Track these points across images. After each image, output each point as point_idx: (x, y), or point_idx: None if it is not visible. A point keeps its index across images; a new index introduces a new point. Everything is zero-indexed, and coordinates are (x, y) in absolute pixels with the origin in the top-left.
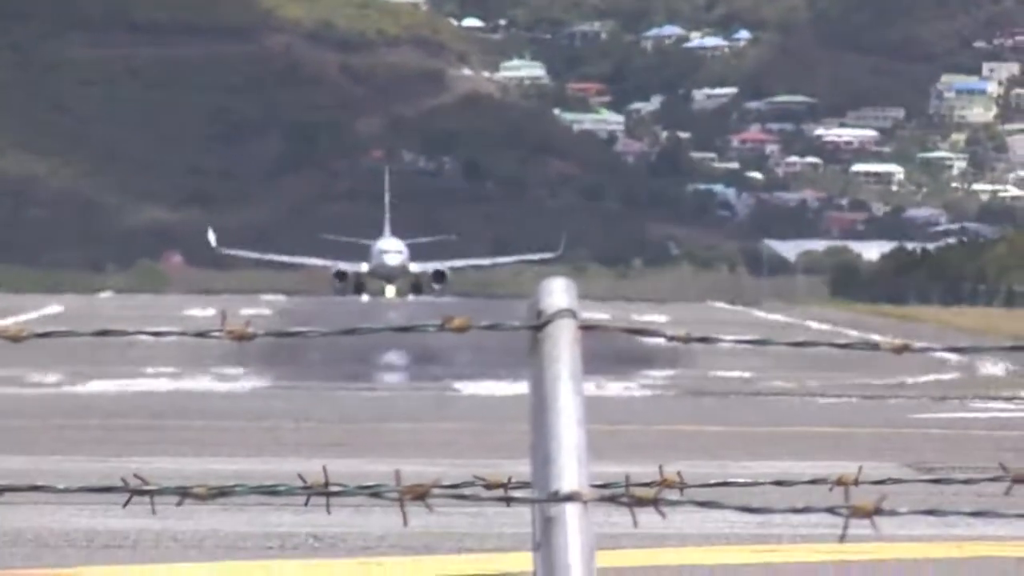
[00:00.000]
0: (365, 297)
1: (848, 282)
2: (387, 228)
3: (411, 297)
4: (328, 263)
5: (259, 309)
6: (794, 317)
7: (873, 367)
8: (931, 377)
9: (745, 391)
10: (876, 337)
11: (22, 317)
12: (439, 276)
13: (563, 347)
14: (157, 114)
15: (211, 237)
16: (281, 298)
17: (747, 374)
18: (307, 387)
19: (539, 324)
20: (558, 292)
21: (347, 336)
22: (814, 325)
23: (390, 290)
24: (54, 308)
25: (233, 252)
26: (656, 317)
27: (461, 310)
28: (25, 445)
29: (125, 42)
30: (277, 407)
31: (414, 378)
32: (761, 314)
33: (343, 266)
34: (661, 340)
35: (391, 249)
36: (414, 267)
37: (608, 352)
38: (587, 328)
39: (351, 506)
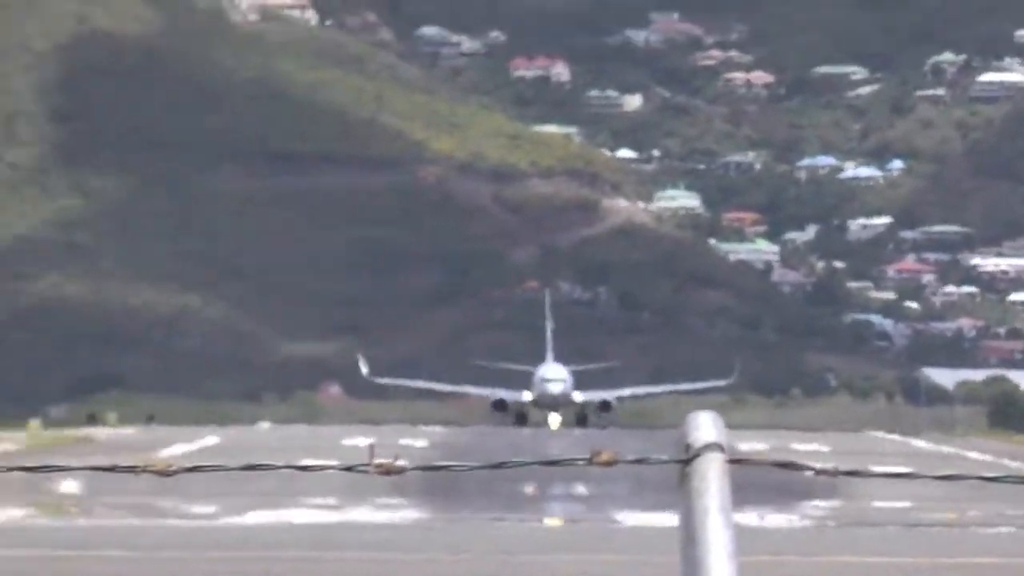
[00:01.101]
0: (526, 429)
1: (1008, 412)
2: (549, 355)
3: (576, 429)
4: (487, 392)
5: (416, 440)
6: (953, 447)
7: None
8: None
9: (905, 522)
10: None
11: (179, 449)
12: (605, 406)
13: (711, 481)
14: (310, 245)
15: (362, 365)
16: (438, 429)
17: (906, 504)
18: (463, 519)
19: (687, 459)
20: (705, 426)
21: (503, 469)
22: (973, 456)
23: (554, 420)
24: (211, 439)
25: (385, 381)
26: (815, 447)
27: (625, 442)
28: None
29: (277, 172)
30: (433, 540)
31: (573, 510)
32: (920, 444)
33: (503, 395)
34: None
35: (555, 377)
36: (578, 396)
37: (770, 483)
38: (735, 462)
39: None
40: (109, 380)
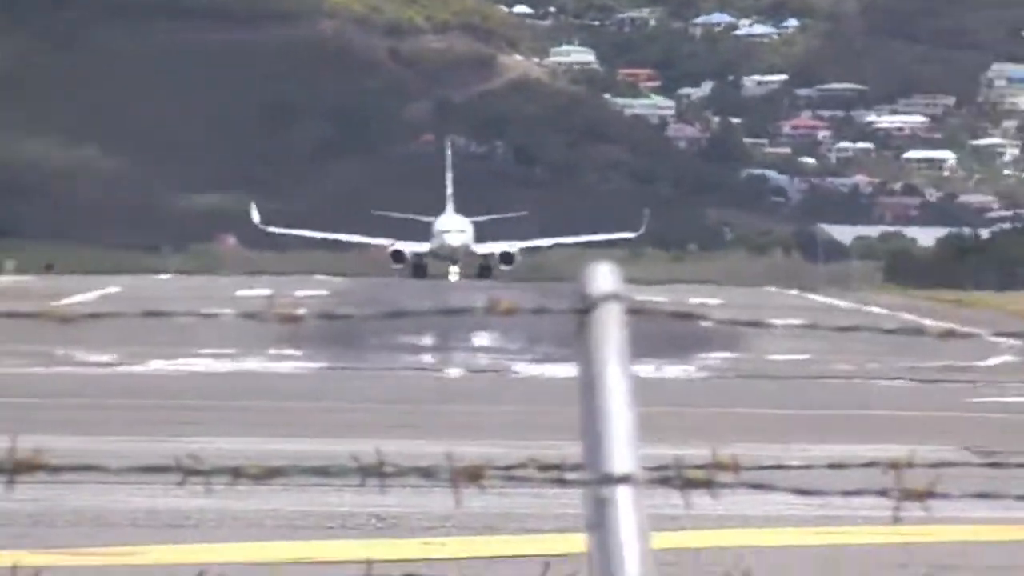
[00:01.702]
0: (426, 281)
1: (903, 268)
2: (450, 206)
3: (478, 281)
4: (385, 242)
5: (315, 291)
6: (849, 302)
7: (928, 352)
8: (988, 362)
9: (802, 375)
10: (926, 321)
11: (79, 297)
12: (506, 257)
13: (610, 330)
14: (206, 99)
15: (254, 214)
16: (337, 280)
17: (804, 357)
18: (361, 370)
19: (585, 308)
20: (604, 276)
21: (401, 319)
22: (871, 310)
23: (454, 272)
24: (111, 289)
25: (278, 230)
26: (711, 300)
27: (525, 294)
28: (82, 425)
29: (173, 27)
30: (332, 389)
31: (471, 360)
32: (817, 298)
33: (400, 246)
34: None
35: (454, 228)
36: (480, 248)
37: (666, 335)
38: (634, 312)
39: (412, 487)
40: (5, 229)
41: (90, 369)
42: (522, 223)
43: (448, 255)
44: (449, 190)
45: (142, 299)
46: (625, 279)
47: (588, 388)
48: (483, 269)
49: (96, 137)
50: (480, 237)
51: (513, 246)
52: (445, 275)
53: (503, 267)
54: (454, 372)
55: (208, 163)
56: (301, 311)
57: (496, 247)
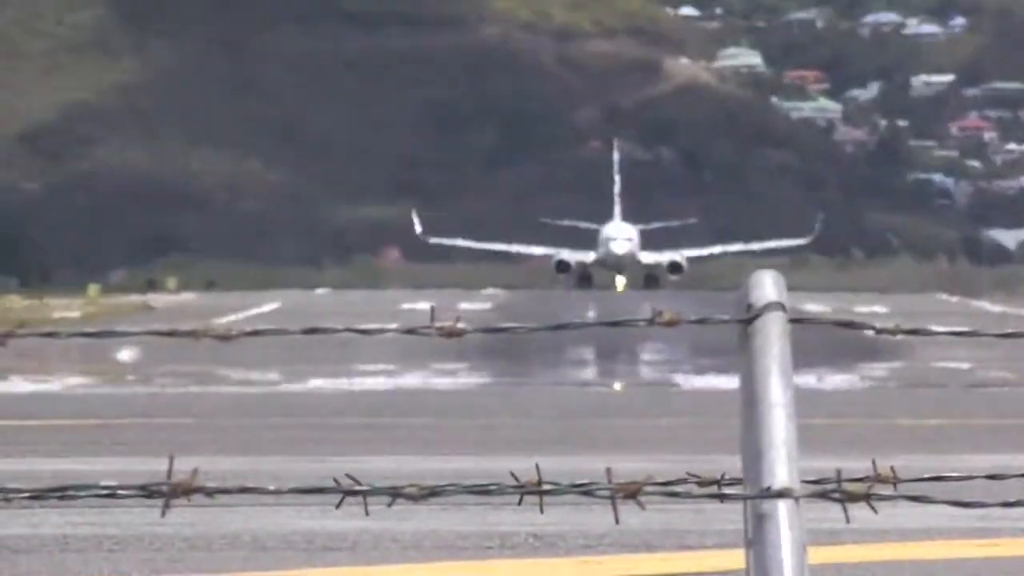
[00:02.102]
0: (591, 292)
1: None
2: (617, 212)
3: (645, 291)
4: (549, 252)
5: (478, 304)
6: (1015, 307)
7: None
8: None
9: (966, 383)
10: None
11: (241, 315)
12: (675, 267)
13: (772, 341)
14: (370, 107)
15: (416, 224)
16: (501, 292)
17: (967, 366)
18: (524, 383)
19: (748, 318)
20: (767, 285)
21: (565, 331)
22: None
23: (620, 281)
24: (272, 305)
25: (439, 240)
26: (876, 308)
27: (690, 304)
28: (239, 446)
29: (337, 33)
30: (493, 404)
31: (632, 373)
32: (983, 305)
33: (566, 255)
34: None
35: (621, 236)
36: (646, 257)
37: (830, 345)
38: (796, 321)
39: (570, 504)
40: (168, 245)
41: (248, 388)
42: (690, 230)
43: (614, 264)
44: (616, 196)
45: (303, 315)
46: (789, 287)
47: (748, 400)
48: (650, 279)
49: (259, 149)
50: (647, 245)
51: (681, 255)
52: (611, 285)
53: (671, 277)
54: (616, 385)
55: (372, 173)
56: (462, 325)
57: (663, 256)
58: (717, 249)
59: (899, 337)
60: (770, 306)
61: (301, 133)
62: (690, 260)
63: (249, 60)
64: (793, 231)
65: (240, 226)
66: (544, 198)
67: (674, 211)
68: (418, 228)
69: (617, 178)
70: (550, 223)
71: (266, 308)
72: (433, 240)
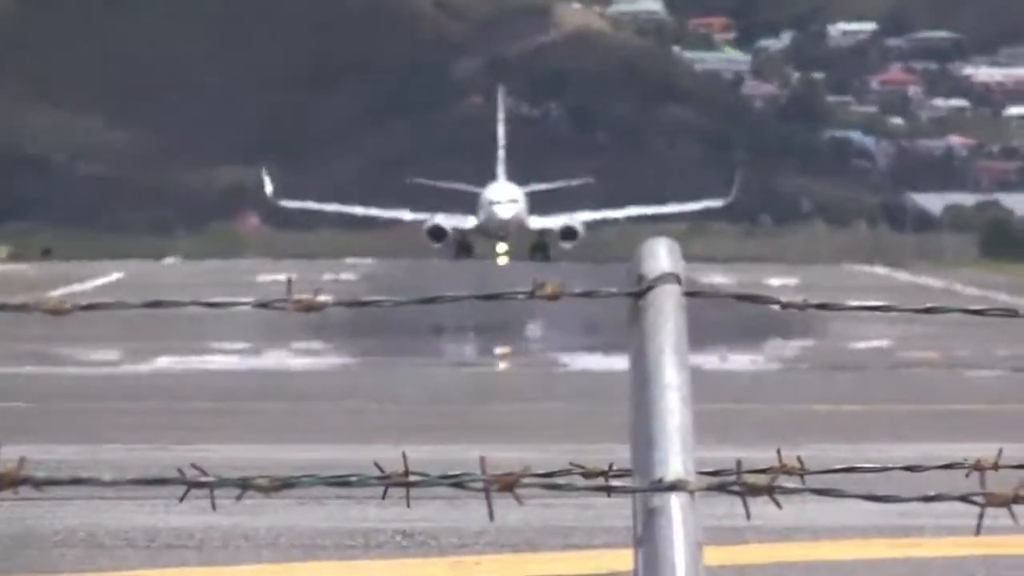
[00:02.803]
0: (470, 262)
1: (1001, 241)
2: (500, 172)
3: (532, 262)
4: (422, 216)
5: (342, 274)
6: (941, 279)
7: None
8: None
9: (885, 364)
10: None
11: (78, 287)
12: (569, 233)
13: (666, 316)
14: (227, 60)
15: (267, 185)
16: (368, 261)
17: (885, 344)
18: (391, 364)
19: (639, 291)
20: (661, 255)
21: (437, 306)
22: (961, 289)
23: (502, 250)
24: (114, 276)
25: (295, 204)
26: (786, 280)
27: (589, 277)
28: (74, 433)
29: None
30: (358, 386)
31: (513, 353)
32: (905, 276)
33: (441, 220)
34: (777, 307)
35: (505, 197)
36: (535, 222)
37: (734, 322)
38: (693, 295)
39: (441, 498)
40: (0, 212)
41: (85, 369)
42: (582, 193)
43: (497, 230)
44: (501, 154)
45: (147, 287)
46: (691, 256)
47: (639, 382)
48: (538, 247)
49: (103, 105)
50: (536, 210)
51: (574, 219)
52: (493, 255)
53: (564, 244)
54: (494, 366)
55: (230, 133)
56: (323, 298)
57: (554, 221)
58: (617, 213)
59: (809, 312)
60: (663, 278)
61: (151, 88)
62: (585, 226)
63: (94, 6)
64: (696, 194)
65: (81, 190)
66: (420, 159)
67: (565, 172)
68: (269, 190)
69: (501, 133)
70: (424, 184)
71: (106, 279)
72: (286, 203)
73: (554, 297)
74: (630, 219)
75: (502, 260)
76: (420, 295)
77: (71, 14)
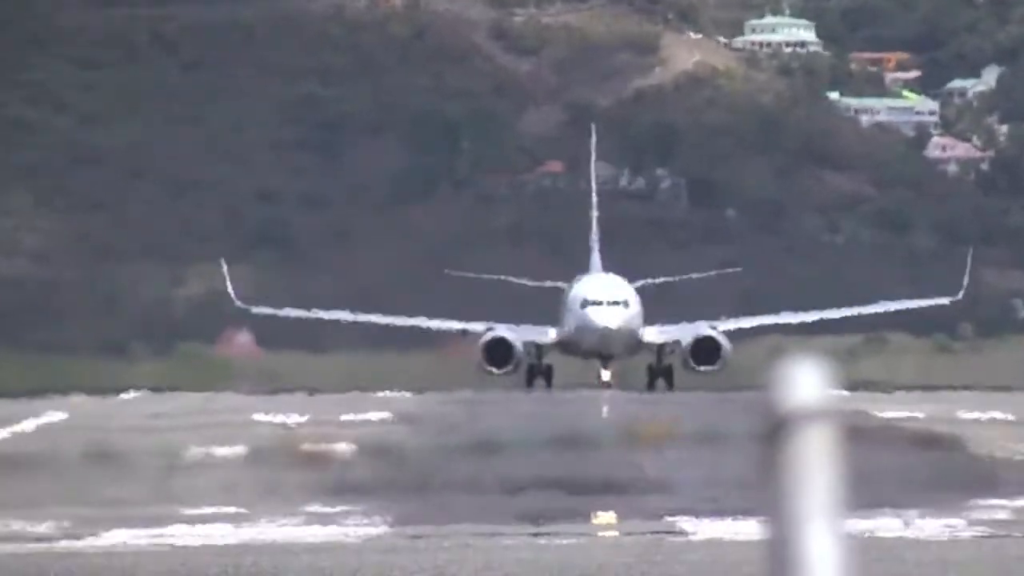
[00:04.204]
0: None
1: None
2: (596, 262)
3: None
4: (476, 328)
5: (370, 413)
6: None
7: None
8: None
9: None
10: None
11: (6, 430)
12: (706, 349)
13: (812, 467)
14: (210, 112)
15: (228, 285)
16: (406, 396)
17: None
18: (447, 534)
19: (772, 432)
20: (803, 384)
21: (500, 455)
22: None
23: (607, 377)
24: (53, 416)
25: (264, 311)
26: (991, 414)
27: (721, 410)
28: None
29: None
30: (400, 566)
31: (620, 513)
32: None
33: (504, 332)
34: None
35: (606, 298)
36: (654, 334)
37: (920, 471)
38: (856, 436)
39: None
40: None
41: (12, 546)
42: (708, 293)
43: (596, 347)
44: (594, 238)
45: (98, 432)
46: (858, 382)
47: (776, 555)
48: (659, 372)
49: (31, 185)
50: (649, 318)
51: (714, 328)
52: (595, 382)
53: (700, 368)
54: (601, 533)
55: (203, 220)
56: (338, 447)
57: (682, 331)
58: (775, 319)
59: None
60: (808, 414)
61: (96, 159)
62: (728, 335)
63: (33, 60)
64: (869, 293)
65: (3, 299)
66: (472, 247)
67: (680, 266)
68: (231, 291)
69: (594, 208)
70: (477, 279)
71: (40, 421)
72: (258, 310)
73: (656, 442)
74: (785, 328)
75: (608, 390)
76: (481, 441)
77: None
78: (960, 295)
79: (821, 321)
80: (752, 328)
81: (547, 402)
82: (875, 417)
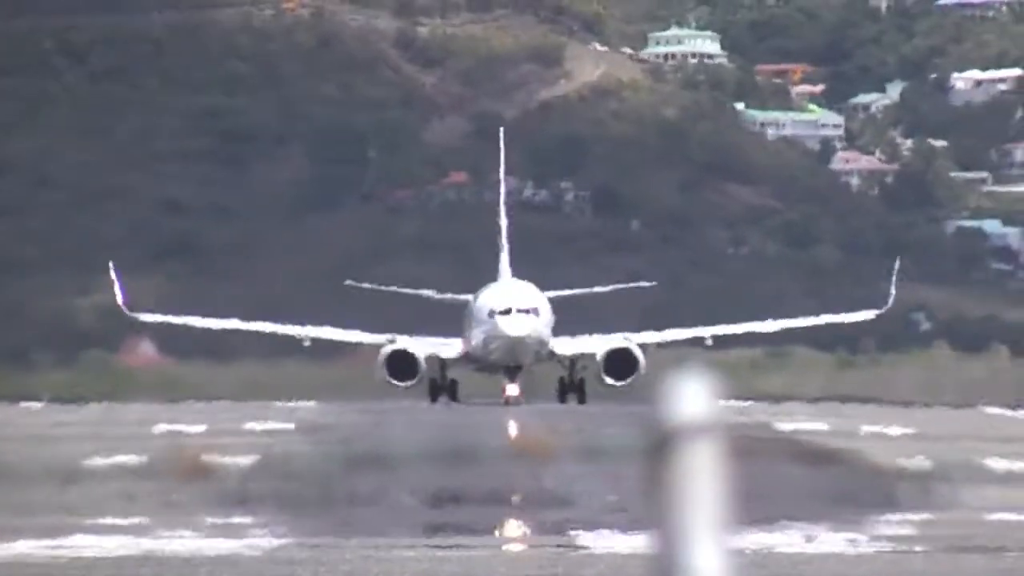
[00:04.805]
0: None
1: None
2: (505, 265)
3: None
4: (379, 339)
5: (270, 422)
6: None
7: None
8: None
9: None
10: None
11: None
12: (623, 363)
13: (697, 480)
14: (108, 121)
15: (117, 290)
16: (310, 405)
17: None
18: (336, 546)
19: (655, 448)
20: (691, 398)
21: (395, 469)
22: None
23: (513, 390)
24: None
25: (152, 318)
26: (890, 429)
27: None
28: None
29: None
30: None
31: (513, 527)
32: None
33: (407, 344)
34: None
35: (515, 305)
36: (566, 345)
37: (827, 482)
38: (743, 451)
39: None
40: None
41: None
42: (609, 308)
43: (504, 358)
44: (504, 246)
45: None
46: (763, 393)
47: (663, 568)
48: (568, 386)
49: None
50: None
51: (628, 340)
52: (499, 396)
53: (613, 382)
54: (504, 546)
55: (108, 228)
56: (239, 458)
57: (595, 343)
58: (693, 332)
59: (928, 475)
60: (692, 428)
61: (1, 167)
62: (643, 348)
63: None
64: (770, 307)
65: None
66: (376, 257)
67: (584, 279)
68: (120, 298)
69: (504, 222)
70: (376, 291)
71: None
72: (147, 318)
73: (538, 455)
74: (688, 343)
75: (513, 402)
76: (384, 449)
77: None
78: (886, 308)
79: (729, 335)
80: (661, 343)
81: (454, 415)
82: (776, 430)
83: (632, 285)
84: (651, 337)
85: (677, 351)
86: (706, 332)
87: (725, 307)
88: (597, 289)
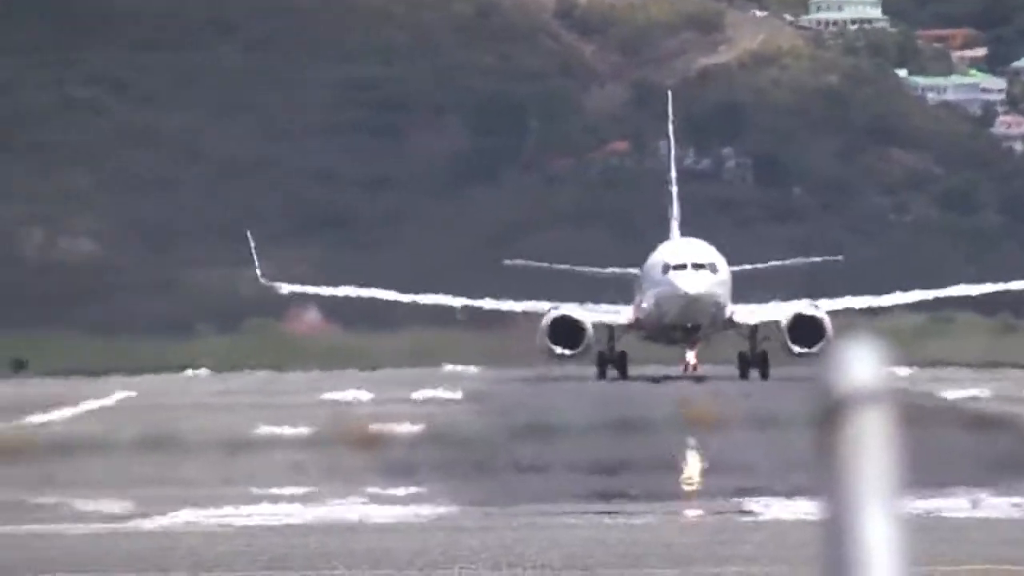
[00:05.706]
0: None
1: None
2: (674, 229)
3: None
4: (540, 307)
5: (439, 390)
6: None
7: None
8: None
9: None
10: None
11: (66, 411)
12: (810, 330)
13: (868, 449)
14: (270, 93)
15: (255, 261)
16: (473, 371)
17: None
18: (504, 516)
19: (825, 416)
20: (859, 366)
21: (562, 439)
22: None
23: (691, 357)
24: (120, 395)
25: (293, 289)
26: None
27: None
28: None
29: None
30: (454, 548)
31: (676, 499)
32: None
33: (570, 311)
34: None
35: (693, 259)
36: (747, 313)
37: (991, 447)
38: (913, 419)
39: None
40: None
41: (79, 526)
42: (777, 279)
43: (680, 317)
44: (674, 211)
45: (165, 411)
46: (919, 360)
47: (833, 537)
48: (750, 360)
49: (86, 162)
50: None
51: (816, 305)
52: (679, 367)
53: (800, 349)
54: (646, 518)
55: (272, 199)
56: (398, 428)
57: (778, 311)
58: (879, 300)
59: None
60: (862, 396)
61: (154, 142)
62: (832, 315)
63: (91, 42)
64: (933, 274)
65: (65, 280)
66: (534, 228)
67: (746, 248)
68: (258, 269)
69: (674, 189)
70: (537, 268)
71: (105, 401)
72: (288, 289)
73: (704, 423)
74: (865, 311)
75: (691, 371)
76: (550, 423)
77: (50, 74)
78: None
79: (940, 299)
80: (832, 310)
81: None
82: (939, 397)
83: (816, 259)
84: (828, 305)
85: (843, 318)
86: (880, 301)
87: (887, 274)
88: (782, 262)
